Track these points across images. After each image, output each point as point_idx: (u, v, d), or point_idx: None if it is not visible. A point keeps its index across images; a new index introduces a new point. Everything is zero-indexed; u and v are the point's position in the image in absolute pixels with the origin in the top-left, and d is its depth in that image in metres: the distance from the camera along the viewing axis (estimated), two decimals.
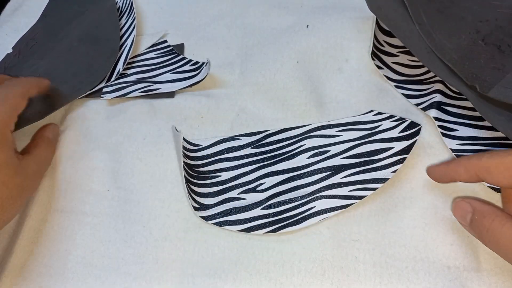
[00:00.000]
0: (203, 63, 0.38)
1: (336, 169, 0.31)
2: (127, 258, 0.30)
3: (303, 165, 0.33)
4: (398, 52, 0.37)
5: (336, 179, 0.31)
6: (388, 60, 0.37)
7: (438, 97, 0.33)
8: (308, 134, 0.34)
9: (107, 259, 0.30)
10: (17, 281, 0.29)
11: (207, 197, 0.32)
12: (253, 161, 0.34)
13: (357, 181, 0.31)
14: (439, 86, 0.34)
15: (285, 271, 0.29)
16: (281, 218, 0.30)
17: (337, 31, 0.39)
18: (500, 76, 0.29)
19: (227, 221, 0.31)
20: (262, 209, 0.31)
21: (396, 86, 0.36)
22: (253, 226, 0.30)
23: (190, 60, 0.39)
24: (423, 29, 0.31)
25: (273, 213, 0.31)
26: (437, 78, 0.34)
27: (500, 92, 0.28)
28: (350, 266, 0.29)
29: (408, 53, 0.37)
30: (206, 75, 0.36)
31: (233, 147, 0.34)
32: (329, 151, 0.33)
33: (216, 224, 0.31)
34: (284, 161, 0.33)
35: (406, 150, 0.31)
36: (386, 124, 0.33)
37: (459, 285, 0.27)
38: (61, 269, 0.30)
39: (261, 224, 0.30)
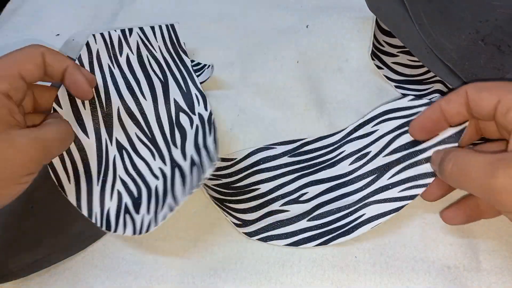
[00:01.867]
0: (205, 64, 0.38)
1: (381, 170, 0.30)
2: (127, 258, 0.30)
3: (346, 172, 0.31)
4: (398, 52, 0.37)
5: (383, 181, 0.29)
6: (388, 60, 0.37)
7: (438, 97, 0.33)
8: (345, 139, 0.33)
9: (107, 259, 0.30)
10: (17, 281, 0.29)
11: (248, 213, 0.31)
12: (292, 170, 0.32)
13: (404, 179, 0.28)
14: (439, 86, 0.34)
15: (285, 271, 0.29)
16: (331, 229, 0.29)
17: (337, 31, 0.39)
18: (500, 76, 0.29)
19: (272, 235, 0.30)
20: (308, 220, 0.30)
21: (396, 86, 0.36)
22: (301, 240, 0.29)
23: (192, 61, 0.39)
24: (423, 29, 0.31)
25: (320, 224, 0.30)
26: (437, 78, 0.34)
27: None
28: (350, 266, 0.29)
29: (408, 53, 0.37)
30: (208, 78, 0.36)
31: (268, 156, 0.33)
32: (370, 152, 0.31)
33: (261, 239, 0.30)
34: (325, 169, 0.32)
35: (454, 138, 0.27)
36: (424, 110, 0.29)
37: (459, 285, 0.27)
38: (61, 268, 0.30)
39: (310, 236, 0.29)
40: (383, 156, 0.30)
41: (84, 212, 0.28)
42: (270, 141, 0.34)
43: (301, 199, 0.31)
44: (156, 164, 0.31)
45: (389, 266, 0.28)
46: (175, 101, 0.33)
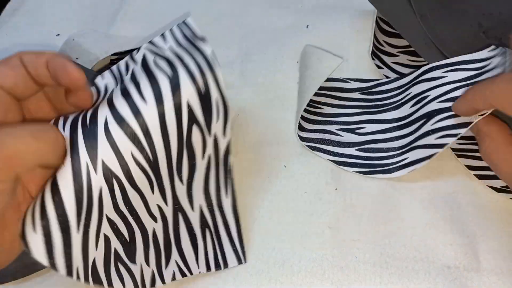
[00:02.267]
0: None
1: (430, 115, 0.29)
2: None
3: (406, 115, 0.32)
4: (398, 52, 0.37)
5: (428, 126, 0.29)
6: (388, 60, 0.37)
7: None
8: (415, 80, 0.32)
9: None
10: (17, 280, 0.29)
11: (307, 122, 0.34)
12: (358, 105, 0.35)
13: (443, 127, 0.28)
14: None
15: (285, 271, 0.29)
16: (374, 164, 0.32)
17: (337, 31, 0.39)
18: None
19: (320, 148, 0.33)
20: (357, 150, 0.32)
21: None
22: (344, 162, 0.32)
23: None
24: (424, 21, 0.31)
25: (367, 156, 0.32)
26: None
27: None
28: (350, 266, 0.29)
29: (408, 53, 0.37)
30: None
31: (341, 88, 0.35)
32: (429, 96, 0.30)
33: (310, 147, 0.33)
34: (390, 111, 0.34)
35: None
36: (496, 60, 0.27)
37: (459, 285, 0.27)
38: None
39: (353, 163, 0.32)
40: (437, 102, 0.29)
41: (61, 271, 0.21)
42: (270, 140, 0.34)
43: (358, 131, 0.33)
44: (154, 199, 0.25)
45: (389, 266, 0.28)
46: (188, 107, 0.23)
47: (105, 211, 0.23)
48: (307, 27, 0.40)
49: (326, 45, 0.38)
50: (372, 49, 0.36)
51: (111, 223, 0.23)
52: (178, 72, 0.23)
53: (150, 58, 0.25)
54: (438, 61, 0.30)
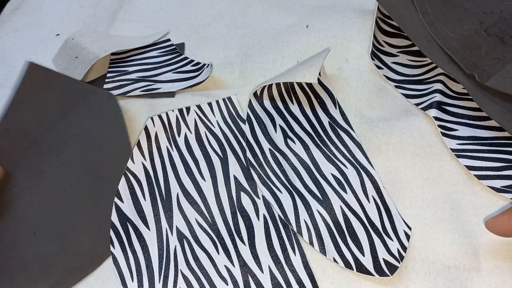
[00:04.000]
0: (204, 64, 0.38)
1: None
2: None
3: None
4: (398, 52, 0.37)
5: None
6: (388, 60, 0.37)
7: (438, 97, 0.33)
8: None
9: (107, 259, 0.30)
10: None
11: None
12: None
13: None
14: (439, 86, 0.34)
15: None
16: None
17: (337, 31, 0.39)
18: (499, 66, 0.29)
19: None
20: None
21: (396, 86, 0.36)
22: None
23: (192, 61, 0.39)
24: (426, 18, 0.31)
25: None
26: (437, 78, 0.34)
27: (498, 82, 0.28)
28: None
29: (407, 53, 0.37)
30: (207, 77, 0.36)
31: None
32: None
33: None
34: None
35: None
36: None
37: (459, 285, 0.27)
38: None
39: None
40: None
41: None
42: None
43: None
44: (220, 260, 0.29)
45: None
46: (235, 178, 0.32)
47: (179, 266, 0.29)
48: (307, 27, 0.40)
49: (326, 45, 0.38)
50: (372, 49, 0.36)
51: (186, 279, 0.28)
52: (227, 155, 0.33)
53: (202, 131, 0.34)
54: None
